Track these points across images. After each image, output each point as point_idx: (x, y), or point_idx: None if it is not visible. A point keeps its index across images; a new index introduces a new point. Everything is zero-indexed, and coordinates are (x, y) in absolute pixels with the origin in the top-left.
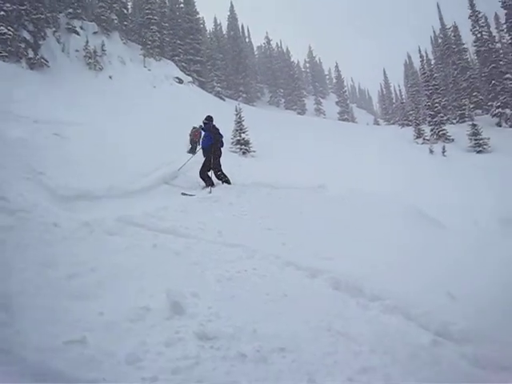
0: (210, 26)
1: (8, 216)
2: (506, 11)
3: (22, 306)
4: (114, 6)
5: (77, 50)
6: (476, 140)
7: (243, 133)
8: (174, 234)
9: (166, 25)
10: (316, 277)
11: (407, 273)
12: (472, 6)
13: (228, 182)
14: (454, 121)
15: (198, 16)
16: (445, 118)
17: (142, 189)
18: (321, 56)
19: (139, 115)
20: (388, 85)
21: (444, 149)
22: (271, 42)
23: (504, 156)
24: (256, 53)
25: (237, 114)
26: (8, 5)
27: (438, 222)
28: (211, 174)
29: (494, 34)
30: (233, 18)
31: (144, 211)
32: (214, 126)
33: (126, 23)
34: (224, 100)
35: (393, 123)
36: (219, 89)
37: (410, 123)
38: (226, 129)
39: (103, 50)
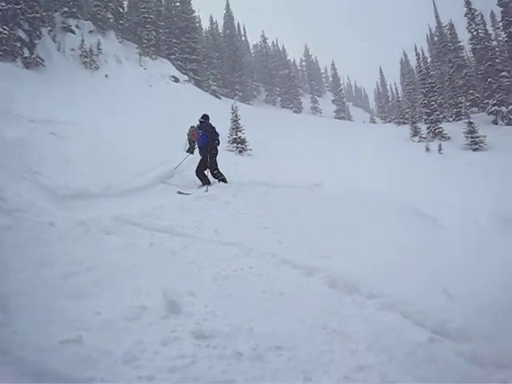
0: (206, 25)
1: (5, 216)
2: (501, 9)
3: (18, 305)
4: (110, 4)
5: (72, 49)
6: (472, 138)
7: (239, 131)
8: (170, 232)
9: (162, 23)
10: (312, 275)
11: (404, 271)
12: (468, 3)
13: (224, 180)
14: (451, 119)
15: (193, 14)
16: (441, 115)
17: (139, 188)
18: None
19: (135, 114)
20: (384, 83)
21: (440, 147)
22: (267, 41)
23: (500, 154)
24: (252, 51)
25: (233, 113)
26: (3, 4)
27: (434, 220)
28: (207, 172)
29: (490, 32)
30: (229, 16)
31: (140, 210)
32: (210, 124)
33: (121, 22)
34: (220, 98)
35: (389, 121)
36: (215, 87)
37: (407, 121)
38: (222, 127)
39: (99, 49)
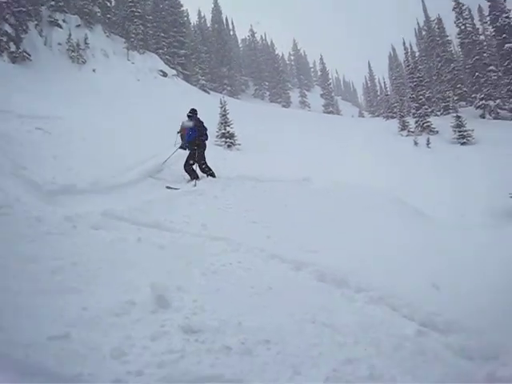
0: (194, 19)
1: None
2: (489, 3)
3: (5, 302)
4: None
5: (59, 44)
6: (460, 132)
7: (228, 126)
8: (158, 227)
9: (150, 18)
10: (301, 269)
11: (392, 265)
12: None
13: (213, 175)
14: (439, 113)
15: (181, 9)
16: (429, 110)
17: (127, 183)
18: (305, 49)
19: (123, 109)
20: (373, 77)
21: (428, 141)
22: (256, 35)
23: (488, 147)
24: (240, 46)
25: (221, 107)
26: None
27: (423, 214)
28: (196, 167)
29: (477, 27)
30: (217, 10)
31: (128, 205)
32: (198, 118)
33: (109, 16)
34: (209, 93)
35: (377, 115)
36: (204, 82)
37: (395, 115)
38: (210, 122)
39: (86, 43)
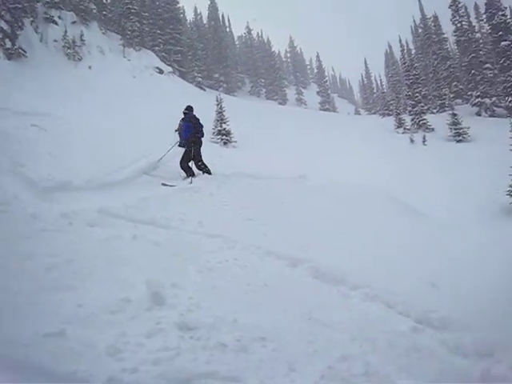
0: (190, 16)
1: None
2: (485, 1)
3: (0, 299)
4: None
5: (55, 40)
6: (456, 129)
7: (224, 123)
8: (154, 224)
9: (146, 14)
10: (297, 266)
11: (388, 262)
12: None
13: (209, 172)
14: (435, 110)
15: (178, 5)
16: (425, 107)
17: (123, 180)
18: (302, 46)
19: (119, 106)
20: (369, 74)
21: (424, 138)
22: (252, 32)
23: (483, 145)
24: (237, 43)
25: (218, 104)
26: None
27: (418, 211)
28: (192, 164)
29: (473, 24)
30: (213, 7)
31: (124, 202)
32: (194, 115)
33: (104, 13)
34: (205, 90)
35: (374, 113)
36: (200, 79)
37: (391, 113)
38: (206, 119)
39: (82, 40)
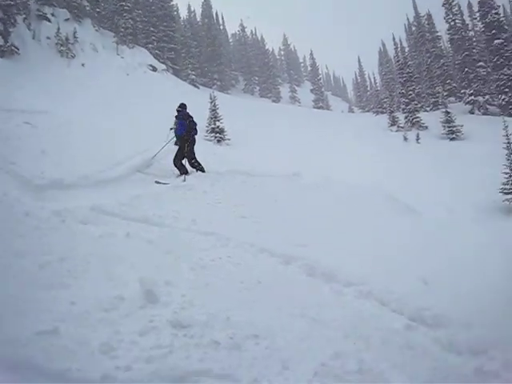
0: (183, 13)
1: None
2: None
3: None
4: None
5: (48, 38)
6: (449, 127)
7: (218, 121)
8: (147, 222)
9: (140, 12)
10: (290, 264)
11: (383, 260)
12: None
13: (202, 170)
14: (428, 108)
15: (171, 3)
16: (419, 105)
17: (116, 177)
18: (296, 44)
19: (112, 103)
20: (362, 72)
21: (418, 136)
22: (246, 30)
23: (477, 143)
24: (231, 40)
25: (211, 102)
26: None
27: (413, 209)
28: (185, 162)
29: (467, 22)
30: (207, 5)
31: (117, 200)
32: (187, 113)
33: (98, 10)
34: (198, 88)
35: (367, 111)
36: (194, 77)
37: (385, 111)
38: (200, 117)
39: (75, 38)
